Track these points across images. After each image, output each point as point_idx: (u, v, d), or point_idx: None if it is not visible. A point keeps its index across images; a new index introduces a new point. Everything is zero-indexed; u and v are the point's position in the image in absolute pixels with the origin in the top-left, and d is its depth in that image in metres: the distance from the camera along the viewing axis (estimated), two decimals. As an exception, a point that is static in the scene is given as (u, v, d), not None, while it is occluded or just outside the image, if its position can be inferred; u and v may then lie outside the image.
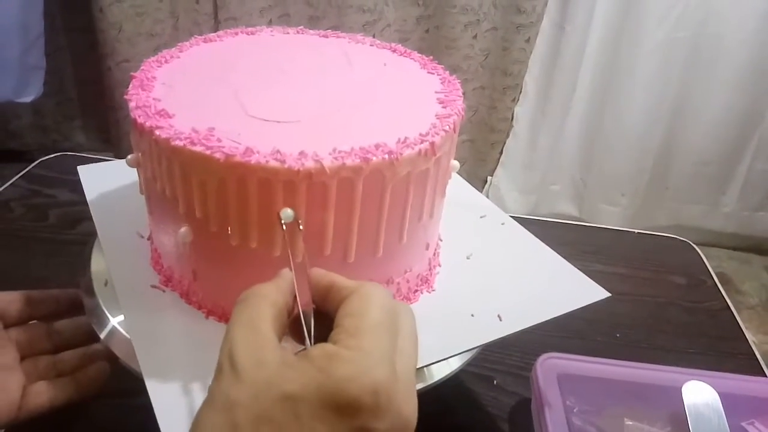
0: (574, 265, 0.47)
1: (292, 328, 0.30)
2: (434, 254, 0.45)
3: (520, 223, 0.51)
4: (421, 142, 0.35)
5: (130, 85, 0.39)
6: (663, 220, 1.85)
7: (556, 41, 1.65)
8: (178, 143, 0.33)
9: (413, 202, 0.37)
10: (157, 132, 0.34)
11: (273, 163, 0.32)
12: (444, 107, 0.40)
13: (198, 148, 0.33)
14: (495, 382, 0.56)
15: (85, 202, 0.48)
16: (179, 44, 0.47)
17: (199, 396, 0.34)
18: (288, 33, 0.51)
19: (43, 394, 0.42)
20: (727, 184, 1.82)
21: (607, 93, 1.70)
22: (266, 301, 0.28)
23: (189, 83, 0.41)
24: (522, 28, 1.63)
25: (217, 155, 0.32)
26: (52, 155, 0.85)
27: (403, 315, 0.29)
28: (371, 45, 0.50)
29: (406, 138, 0.35)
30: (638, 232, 0.83)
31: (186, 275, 0.40)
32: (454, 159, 0.42)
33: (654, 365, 0.51)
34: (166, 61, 0.44)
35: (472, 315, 0.41)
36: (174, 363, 0.36)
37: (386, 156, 0.33)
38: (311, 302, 0.30)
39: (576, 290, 0.44)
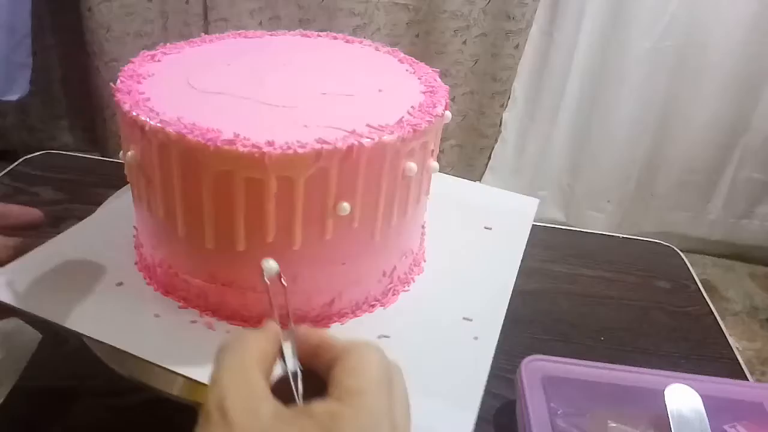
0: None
1: (276, 386, 0.27)
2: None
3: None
4: (253, 147, 0.34)
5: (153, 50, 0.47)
6: (649, 226, 1.86)
7: (544, 48, 1.67)
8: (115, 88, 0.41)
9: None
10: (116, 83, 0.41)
11: (141, 117, 0.36)
12: (348, 132, 0.36)
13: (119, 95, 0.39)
14: (480, 384, 0.56)
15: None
16: (229, 32, 0.52)
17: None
18: (336, 38, 0.54)
19: None
20: (713, 191, 1.83)
21: (594, 100, 1.72)
22: (256, 349, 0.27)
23: (191, 59, 0.47)
24: (511, 35, 1.64)
25: (120, 97, 0.39)
26: (37, 153, 0.84)
27: (396, 374, 0.28)
28: (401, 63, 0.50)
29: (239, 135, 0.34)
30: (624, 237, 0.83)
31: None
32: (346, 202, 0.36)
33: (638, 368, 0.52)
34: (197, 45, 0.50)
35: None
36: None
37: (198, 138, 0.34)
38: (298, 361, 0.29)
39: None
